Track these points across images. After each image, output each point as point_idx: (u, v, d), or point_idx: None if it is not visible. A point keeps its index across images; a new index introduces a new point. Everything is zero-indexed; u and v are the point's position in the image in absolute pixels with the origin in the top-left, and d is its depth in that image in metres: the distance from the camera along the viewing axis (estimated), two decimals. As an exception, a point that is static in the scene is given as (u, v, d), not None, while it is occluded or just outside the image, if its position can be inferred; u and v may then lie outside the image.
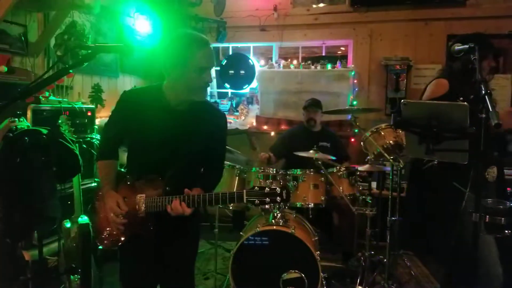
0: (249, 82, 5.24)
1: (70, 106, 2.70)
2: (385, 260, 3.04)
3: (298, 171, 3.17)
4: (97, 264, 2.49)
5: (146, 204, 1.74)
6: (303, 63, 4.97)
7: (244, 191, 1.66)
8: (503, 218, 1.62)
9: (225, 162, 3.40)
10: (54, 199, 2.12)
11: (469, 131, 1.55)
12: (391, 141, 2.99)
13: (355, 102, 4.56)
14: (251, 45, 5.40)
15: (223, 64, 5.30)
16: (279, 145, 3.97)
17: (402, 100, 1.72)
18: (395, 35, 4.81)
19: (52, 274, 2.39)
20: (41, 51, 3.47)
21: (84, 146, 2.72)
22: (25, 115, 2.39)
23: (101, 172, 1.90)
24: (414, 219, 3.23)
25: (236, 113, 5.26)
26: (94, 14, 4.12)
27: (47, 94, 2.70)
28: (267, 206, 1.68)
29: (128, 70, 4.76)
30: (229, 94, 5.48)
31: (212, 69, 1.79)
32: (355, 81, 4.83)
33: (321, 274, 2.68)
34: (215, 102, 5.44)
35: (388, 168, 3.32)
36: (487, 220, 1.60)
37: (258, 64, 5.22)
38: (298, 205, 3.12)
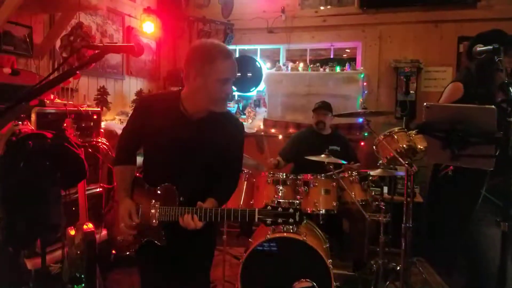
0: (256, 85, 5.16)
1: (75, 109, 2.63)
2: (398, 267, 2.95)
3: (309, 176, 3.09)
4: (102, 273, 2.41)
5: (159, 213, 1.73)
6: (311, 66, 4.88)
7: (256, 209, 1.64)
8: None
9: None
10: (58, 206, 2.04)
11: (497, 135, 1.46)
12: (404, 145, 2.89)
13: (365, 106, 4.48)
14: (258, 47, 5.33)
15: (230, 66, 5.24)
16: (287, 149, 3.88)
17: (425, 104, 1.63)
18: (405, 37, 4.72)
19: (56, 284, 2.31)
20: (47, 53, 3.42)
21: (90, 150, 2.65)
22: (29, 118, 2.32)
23: (117, 178, 1.88)
24: (428, 226, 3.16)
25: (243, 116, 5.18)
26: (100, 15, 4.07)
27: (52, 96, 2.64)
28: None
29: (134, 72, 4.70)
30: (236, 96, 5.40)
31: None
32: (365, 83, 4.74)
33: (334, 283, 2.59)
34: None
35: (400, 173, 3.23)
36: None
37: (265, 67, 5.15)
38: (309, 211, 3.03)
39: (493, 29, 2.30)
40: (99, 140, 2.72)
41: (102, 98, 4.11)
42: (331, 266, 2.59)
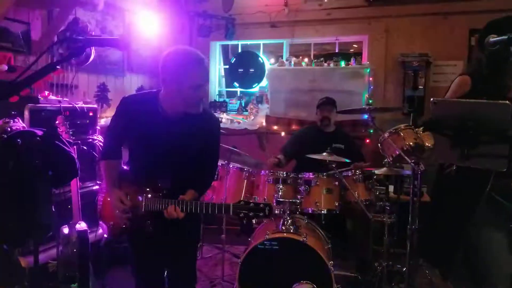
0: (259, 81, 5.06)
1: (70, 106, 2.56)
2: (404, 269, 2.85)
3: (310, 175, 2.99)
4: (97, 272, 2.36)
5: (145, 204, 1.91)
6: (315, 61, 4.75)
7: (231, 204, 1.83)
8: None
9: (234, 164, 3.27)
10: (49, 205, 1.99)
11: (511, 134, 1.35)
12: (411, 143, 2.78)
13: (369, 101, 4.36)
14: (261, 42, 5.22)
15: (232, 62, 5.14)
16: (290, 146, 3.79)
17: (432, 99, 1.51)
18: (413, 30, 4.56)
19: (50, 283, 2.26)
20: (45, 49, 3.35)
21: (85, 148, 2.58)
22: (22, 115, 2.26)
23: (104, 171, 2.04)
24: (433, 227, 3.05)
25: (245, 113, 5.09)
26: (99, 11, 4.00)
27: (46, 93, 2.57)
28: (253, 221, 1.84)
29: (135, 69, 4.63)
30: (238, 93, 5.31)
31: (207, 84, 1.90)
32: (371, 78, 4.61)
33: (335, 285, 2.51)
34: (224, 101, 5.28)
35: (407, 172, 3.12)
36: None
37: (268, 62, 5.04)
38: (310, 211, 2.94)
39: (507, 16, 2.14)
40: (95, 138, 2.65)
41: (102, 95, 4.05)
42: (332, 268, 2.50)
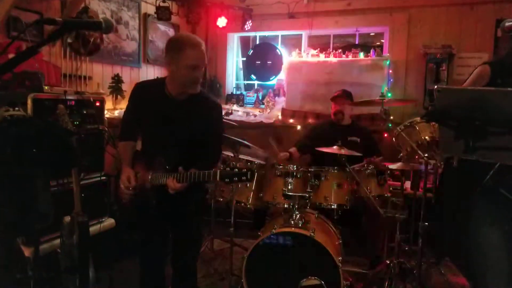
0: (277, 73, 4.98)
1: (74, 96, 2.55)
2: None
3: (320, 169, 2.90)
4: (102, 264, 2.36)
5: (151, 178, 2.16)
6: (333, 52, 4.61)
7: (218, 170, 2.01)
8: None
9: (243, 157, 3.21)
10: (47, 194, 1.97)
11: (522, 124, 1.22)
12: (427, 137, 2.65)
13: (389, 94, 4.19)
14: (279, 34, 5.13)
15: (250, 54, 5.07)
16: (304, 140, 3.68)
17: (436, 86, 1.39)
18: (437, 21, 4.36)
19: (51, 273, 2.26)
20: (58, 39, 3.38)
21: (90, 137, 2.58)
22: (25, 104, 2.26)
23: (120, 151, 2.29)
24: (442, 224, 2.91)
25: (262, 106, 5.00)
26: (114, 1, 4.01)
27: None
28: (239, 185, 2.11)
29: (151, 60, 4.63)
30: (256, 85, 5.23)
31: (203, 67, 2.10)
32: (390, 71, 4.43)
33: (343, 282, 2.41)
34: (241, 94, 5.21)
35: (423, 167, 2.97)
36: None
37: (286, 54, 4.93)
38: (318, 205, 2.85)
39: None
40: (101, 128, 2.64)
41: (116, 86, 4.06)
42: (340, 264, 2.41)
